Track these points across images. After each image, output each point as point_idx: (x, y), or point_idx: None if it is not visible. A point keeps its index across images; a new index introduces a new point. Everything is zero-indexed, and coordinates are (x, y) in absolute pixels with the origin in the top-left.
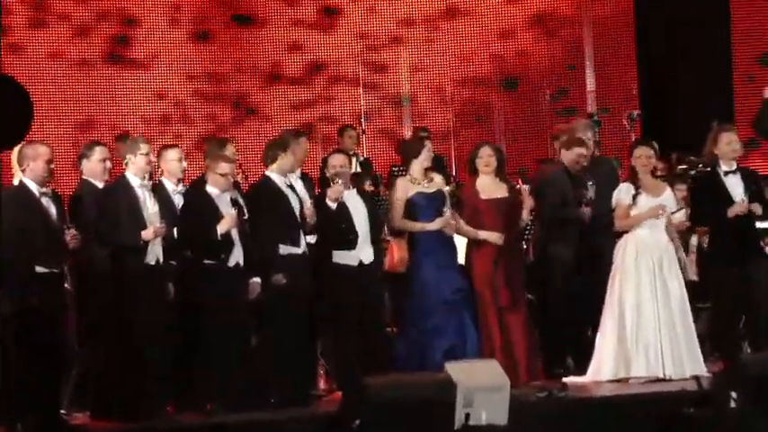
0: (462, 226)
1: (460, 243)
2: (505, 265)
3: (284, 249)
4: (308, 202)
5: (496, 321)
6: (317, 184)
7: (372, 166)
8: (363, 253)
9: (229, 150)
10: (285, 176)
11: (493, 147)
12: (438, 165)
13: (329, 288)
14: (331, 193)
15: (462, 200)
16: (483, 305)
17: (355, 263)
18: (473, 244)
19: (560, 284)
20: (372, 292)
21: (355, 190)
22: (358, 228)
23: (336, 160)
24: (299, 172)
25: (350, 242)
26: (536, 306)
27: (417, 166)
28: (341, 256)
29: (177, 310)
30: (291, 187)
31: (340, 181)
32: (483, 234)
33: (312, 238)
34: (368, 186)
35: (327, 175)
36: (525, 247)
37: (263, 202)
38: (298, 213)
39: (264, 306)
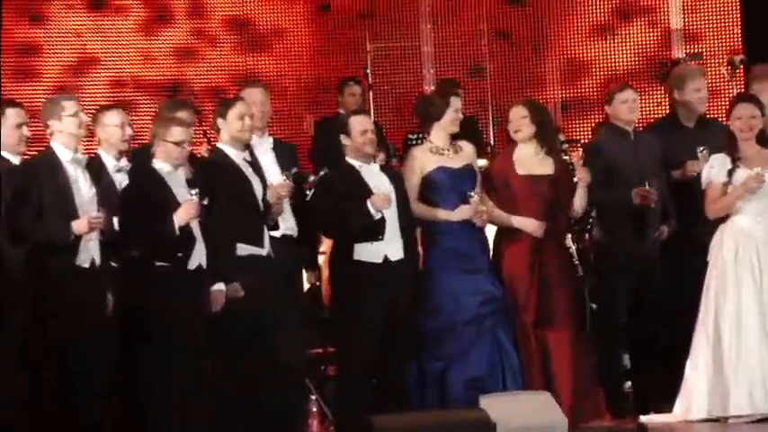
0: (494, 211)
1: (490, 233)
2: (545, 266)
3: (243, 249)
4: (282, 176)
5: (534, 341)
6: (313, 155)
7: (382, 132)
8: (391, 247)
9: (184, 112)
10: (244, 148)
11: (531, 106)
12: (469, 130)
13: (342, 292)
14: (375, 200)
15: (490, 175)
16: (520, 320)
17: (380, 259)
18: (504, 236)
19: (615, 295)
20: (400, 299)
21: (377, 165)
22: (384, 213)
23: (363, 123)
24: (269, 140)
25: (369, 229)
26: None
27: (440, 130)
28: (361, 251)
29: (118, 327)
30: (252, 164)
31: (385, 190)
32: (516, 220)
33: (294, 230)
34: (380, 160)
35: (346, 145)
36: (588, 238)
37: (217, 184)
38: (260, 199)
39: (220, 325)
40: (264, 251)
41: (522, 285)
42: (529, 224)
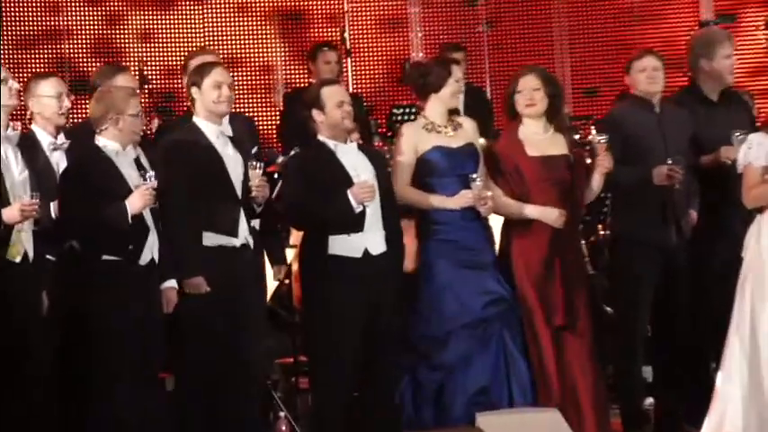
0: (501, 199)
1: (495, 224)
2: (565, 261)
3: (211, 239)
4: (252, 166)
5: (551, 349)
6: (281, 132)
7: (363, 105)
8: (371, 239)
9: (124, 79)
10: (218, 121)
11: (544, 75)
12: (475, 103)
13: (313, 293)
14: (357, 191)
15: (495, 157)
16: (530, 323)
17: (359, 254)
18: (514, 227)
19: (636, 294)
20: (384, 301)
21: (355, 143)
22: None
23: (337, 94)
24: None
25: (349, 221)
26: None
27: (438, 104)
28: (337, 244)
29: (56, 331)
30: (234, 138)
31: (363, 176)
32: (531, 211)
33: (257, 222)
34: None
35: (318, 121)
36: (602, 231)
37: (178, 163)
38: (239, 182)
39: (179, 328)
40: (238, 242)
41: (540, 284)
42: (548, 214)
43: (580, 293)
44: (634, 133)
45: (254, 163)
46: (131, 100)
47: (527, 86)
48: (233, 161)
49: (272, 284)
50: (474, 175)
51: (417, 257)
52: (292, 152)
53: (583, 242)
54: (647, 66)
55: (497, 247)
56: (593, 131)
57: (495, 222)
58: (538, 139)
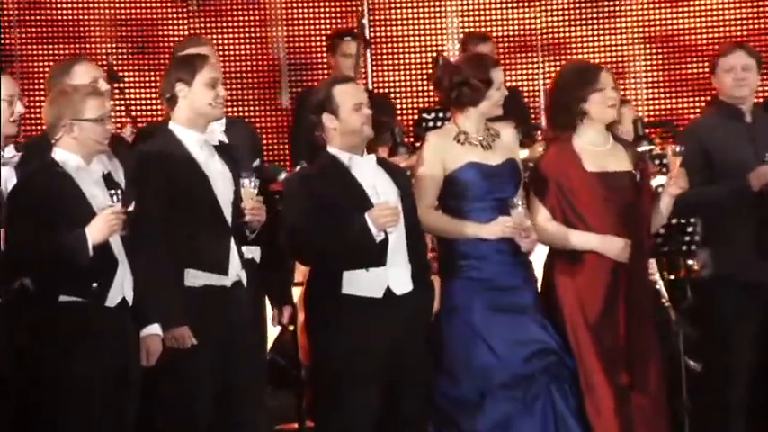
0: (548, 225)
1: (535, 258)
2: (630, 303)
3: (195, 278)
4: (246, 184)
5: (614, 413)
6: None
7: (390, 106)
8: (395, 274)
9: (83, 71)
10: (203, 128)
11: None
12: (511, 106)
13: (323, 342)
14: (378, 215)
15: (541, 173)
16: (587, 381)
17: (379, 293)
18: (563, 260)
19: (731, 346)
20: (409, 352)
21: (373, 156)
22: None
23: (354, 94)
24: (222, 120)
25: (367, 252)
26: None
27: (475, 116)
28: (353, 282)
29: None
30: (221, 148)
31: (384, 196)
32: (588, 240)
33: (256, 252)
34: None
35: (329, 128)
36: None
37: (151, 181)
38: (228, 203)
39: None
40: (229, 280)
41: (599, 332)
42: (610, 244)
43: (651, 343)
44: (718, 148)
45: (248, 180)
46: (90, 100)
47: (608, 83)
48: (221, 178)
49: (273, 331)
50: (515, 200)
51: (440, 300)
52: (298, 167)
53: (660, 280)
54: (734, 64)
55: (538, 284)
56: (668, 145)
57: (536, 255)
58: (596, 151)
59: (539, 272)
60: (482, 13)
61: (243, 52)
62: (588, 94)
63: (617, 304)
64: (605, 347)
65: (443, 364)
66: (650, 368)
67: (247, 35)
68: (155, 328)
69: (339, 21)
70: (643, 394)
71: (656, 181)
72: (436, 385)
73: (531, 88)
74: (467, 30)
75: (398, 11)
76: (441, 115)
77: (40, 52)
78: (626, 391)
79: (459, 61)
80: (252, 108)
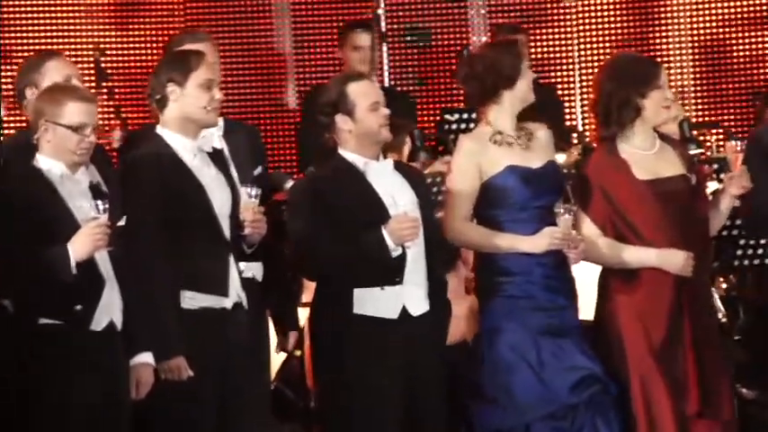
0: (598, 240)
1: (584, 273)
2: (696, 322)
3: (191, 300)
4: (245, 194)
5: None
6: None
7: (411, 103)
8: (412, 293)
9: (56, 67)
10: (194, 133)
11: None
12: (545, 104)
13: (332, 369)
14: (396, 227)
15: (586, 182)
16: (647, 410)
17: (395, 314)
18: (618, 279)
19: None
20: (427, 378)
21: (390, 161)
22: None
23: (369, 93)
24: (221, 123)
25: (383, 269)
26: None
27: (510, 104)
28: (366, 301)
29: None
30: (216, 156)
31: (403, 206)
32: (646, 255)
33: (258, 270)
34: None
35: (343, 130)
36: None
37: (143, 191)
38: (225, 216)
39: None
40: (229, 301)
41: (663, 355)
42: (671, 258)
43: (721, 365)
44: None
45: (249, 189)
46: (71, 104)
47: (666, 83)
48: (217, 188)
49: (277, 358)
50: (561, 208)
51: (480, 321)
52: (306, 172)
53: (716, 293)
54: None
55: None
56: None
57: (585, 272)
58: (645, 155)
59: (584, 289)
60: (511, 1)
61: (243, 44)
62: (650, 90)
63: (682, 325)
64: (673, 376)
65: (484, 389)
66: (723, 393)
67: (249, 25)
68: (146, 357)
69: (352, 11)
70: (716, 422)
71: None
72: (475, 412)
73: (567, 86)
74: (494, 21)
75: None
76: (465, 116)
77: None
78: (687, 422)
79: (483, 46)
80: (254, 108)
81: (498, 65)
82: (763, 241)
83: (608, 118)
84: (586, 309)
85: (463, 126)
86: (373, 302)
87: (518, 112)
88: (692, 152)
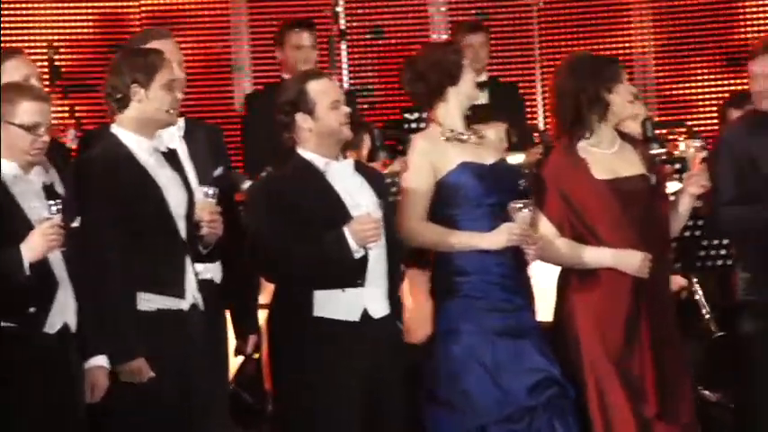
0: (555, 241)
1: (543, 274)
2: (654, 324)
3: (148, 301)
4: (202, 193)
5: None
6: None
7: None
8: (373, 295)
9: (20, 70)
10: (152, 134)
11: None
12: (504, 103)
13: (291, 372)
14: (359, 228)
15: (543, 182)
16: (604, 413)
17: (356, 316)
18: (575, 280)
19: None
20: (388, 381)
21: (351, 161)
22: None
23: (330, 91)
24: (179, 121)
25: (345, 270)
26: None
27: (457, 101)
28: (326, 303)
29: None
30: (170, 156)
31: (365, 207)
32: (603, 256)
33: (216, 271)
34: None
35: (302, 128)
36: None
37: (99, 189)
38: (181, 217)
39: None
40: (186, 303)
41: (622, 358)
42: (628, 258)
43: (680, 366)
44: (756, 160)
45: (206, 189)
46: (25, 103)
47: (626, 78)
48: (173, 188)
49: (235, 361)
50: (518, 204)
51: (434, 322)
52: (263, 174)
53: (700, 290)
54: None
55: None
56: (684, 141)
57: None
58: (604, 154)
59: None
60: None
61: (200, 42)
62: (616, 85)
63: (640, 326)
64: (630, 378)
65: (439, 393)
66: (682, 395)
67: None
68: (101, 360)
69: (311, 8)
70: (674, 425)
71: (670, 187)
72: (430, 417)
73: (528, 85)
74: (455, 19)
75: None
76: (425, 115)
77: None
78: (649, 425)
79: (424, 48)
80: (209, 108)
81: (441, 63)
82: (726, 242)
83: (577, 116)
84: (546, 310)
85: (423, 126)
86: (334, 305)
87: (467, 111)
88: (654, 152)
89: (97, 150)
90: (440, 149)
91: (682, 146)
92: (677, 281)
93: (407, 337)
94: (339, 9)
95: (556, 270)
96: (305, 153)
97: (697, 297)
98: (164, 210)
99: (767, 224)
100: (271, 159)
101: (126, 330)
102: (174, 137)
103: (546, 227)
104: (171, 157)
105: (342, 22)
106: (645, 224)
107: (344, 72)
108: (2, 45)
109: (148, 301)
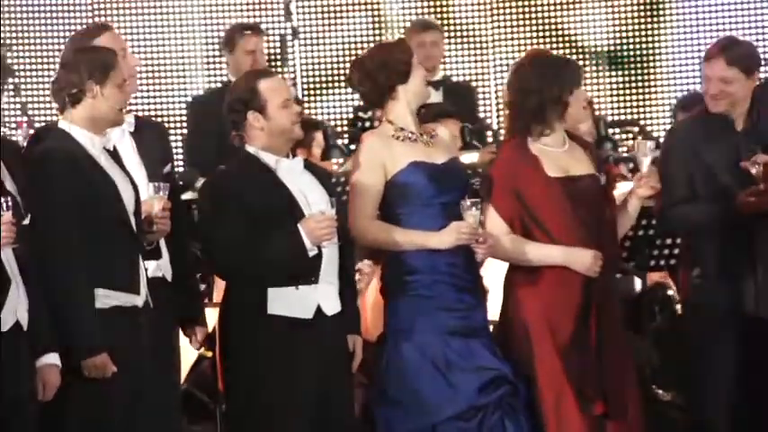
0: (504, 238)
1: (493, 272)
2: (602, 323)
3: (106, 299)
4: (153, 189)
5: None
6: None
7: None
8: (326, 293)
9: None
10: (101, 131)
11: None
12: (460, 104)
13: (243, 371)
14: (314, 226)
15: (494, 179)
16: (556, 411)
17: (309, 313)
18: (524, 277)
19: (712, 374)
20: (338, 379)
21: (301, 159)
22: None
23: (280, 90)
24: (128, 117)
25: (298, 268)
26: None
27: (406, 100)
28: (280, 300)
29: None
30: (114, 154)
31: (317, 204)
32: (553, 253)
33: (167, 269)
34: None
35: (253, 127)
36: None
37: (56, 183)
38: (131, 213)
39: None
40: (140, 299)
41: (569, 356)
42: (578, 256)
43: (626, 365)
44: (708, 163)
45: (157, 186)
46: None
47: (583, 80)
48: (123, 185)
49: (187, 359)
50: (468, 202)
51: (384, 321)
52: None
53: (674, 285)
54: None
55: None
56: (638, 141)
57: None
58: (556, 153)
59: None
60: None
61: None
62: (575, 87)
63: (588, 325)
64: (577, 375)
65: (388, 393)
66: (627, 394)
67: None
68: (52, 358)
69: (264, 6)
70: (620, 423)
71: (619, 189)
72: (380, 417)
73: (482, 84)
74: (409, 17)
75: None
76: (379, 114)
77: None
78: (601, 422)
79: (372, 48)
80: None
81: (389, 61)
82: (678, 241)
83: (537, 115)
84: (495, 308)
85: (377, 124)
86: (287, 302)
87: (417, 109)
88: (608, 151)
89: (53, 146)
90: (390, 148)
91: (636, 143)
92: (652, 277)
93: (367, 334)
94: (293, 6)
95: (505, 267)
96: (255, 151)
97: (670, 293)
98: (120, 207)
99: (714, 220)
100: (216, 158)
101: (90, 326)
102: (124, 133)
103: (497, 223)
104: (114, 154)
105: (295, 19)
106: (594, 223)
107: (297, 70)
108: None
109: (106, 298)
